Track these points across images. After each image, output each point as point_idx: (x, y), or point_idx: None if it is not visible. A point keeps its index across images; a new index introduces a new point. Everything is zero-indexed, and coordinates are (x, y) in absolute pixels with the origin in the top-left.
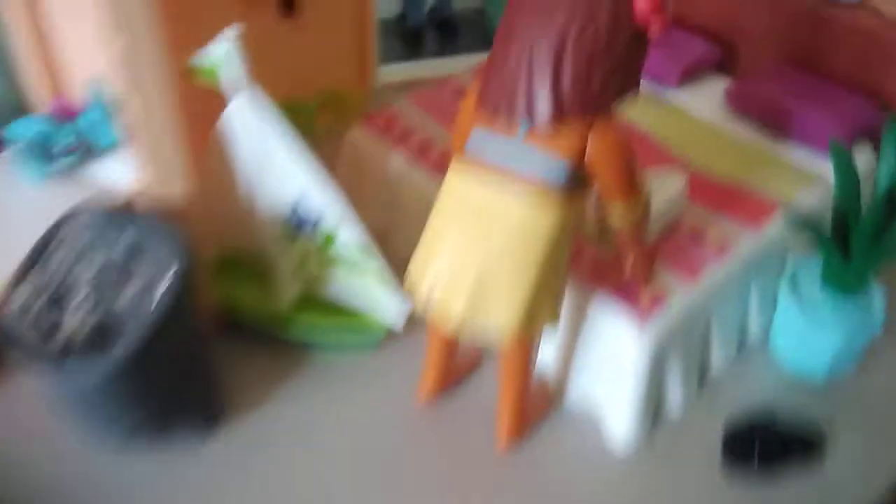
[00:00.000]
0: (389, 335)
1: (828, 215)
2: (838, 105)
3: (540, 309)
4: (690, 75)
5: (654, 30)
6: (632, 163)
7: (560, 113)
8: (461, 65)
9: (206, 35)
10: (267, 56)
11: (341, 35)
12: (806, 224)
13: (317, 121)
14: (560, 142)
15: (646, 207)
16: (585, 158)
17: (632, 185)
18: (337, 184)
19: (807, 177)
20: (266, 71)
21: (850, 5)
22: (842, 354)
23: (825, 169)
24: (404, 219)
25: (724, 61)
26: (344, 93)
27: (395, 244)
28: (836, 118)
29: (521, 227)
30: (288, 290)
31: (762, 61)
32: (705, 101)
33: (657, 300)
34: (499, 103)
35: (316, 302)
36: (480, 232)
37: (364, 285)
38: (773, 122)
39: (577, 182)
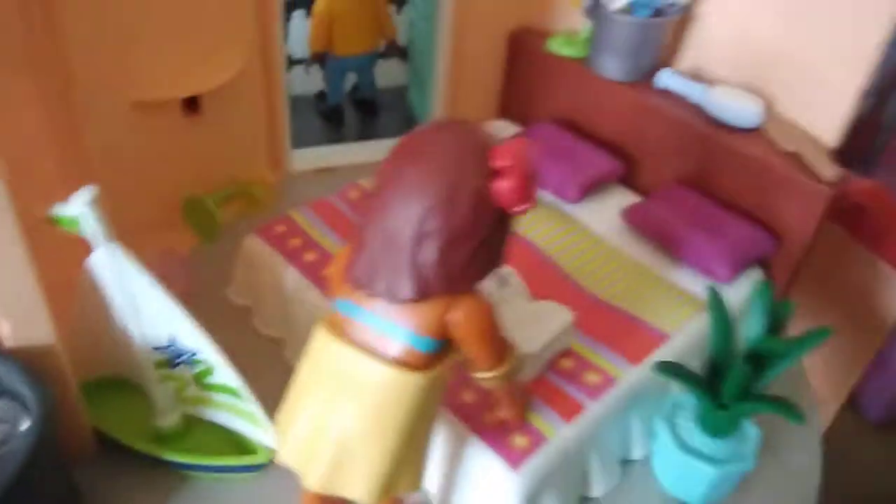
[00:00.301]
0: (271, 462)
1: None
2: (728, 231)
3: (399, 478)
4: (592, 189)
5: (521, 210)
6: (494, 335)
7: (420, 295)
8: (382, 149)
9: (104, 136)
10: (171, 154)
11: (249, 126)
12: (675, 373)
13: (221, 215)
14: (421, 318)
15: (513, 372)
16: (448, 332)
17: (495, 357)
18: (235, 287)
19: (696, 305)
20: (170, 169)
21: (744, 132)
22: (716, 485)
23: None
24: (298, 332)
25: (627, 174)
26: (249, 184)
27: (292, 353)
28: (724, 245)
29: (384, 393)
30: (167, 412)
31: (663, 178)
32: (605, 217)
33: (532, 442)
34: (361, 282)
35: (197, 424)
36: (341, 397)
37: (241, 422)
38: (667, 245)
39: (442, 347)
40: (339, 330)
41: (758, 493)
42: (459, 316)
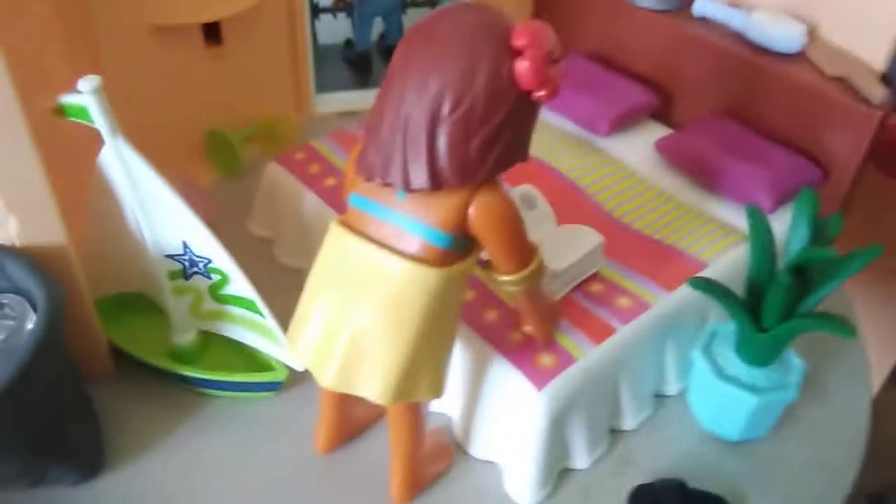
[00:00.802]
0: (290, 379)
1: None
2: (771, 161)
3: (417, 380)
4: (624, 123)
5: (543, 97)
6: (517, 234)
7: (436, 184)
8: None
9: (123, 65)
10: (192, 85)
11: (272, 63)
12: (712, 290)
13: (244, 150)
14: (440, 211)
15: (535, 276)
16: (468, 228)
17: (517, 258)
18: (256, 218)
19: (735, 235)
20: (192, 101)
21: (788, 57)
22: (756, 418)
23: None
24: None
25: (662, 110)
26: (274, 121)
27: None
28: (767, 175)
29: (400, 287)
30: (184, 329)
31: (700, 111)
32: (638, 151)
33: (559, 362)
34: (373, 172)
35: (214, 341)
36: (356, 293)
37: (258, 337)
38: (703, 177)
39: (462, 244)
40: (354, 227)
41: (801, 432)
42: (478, 209)
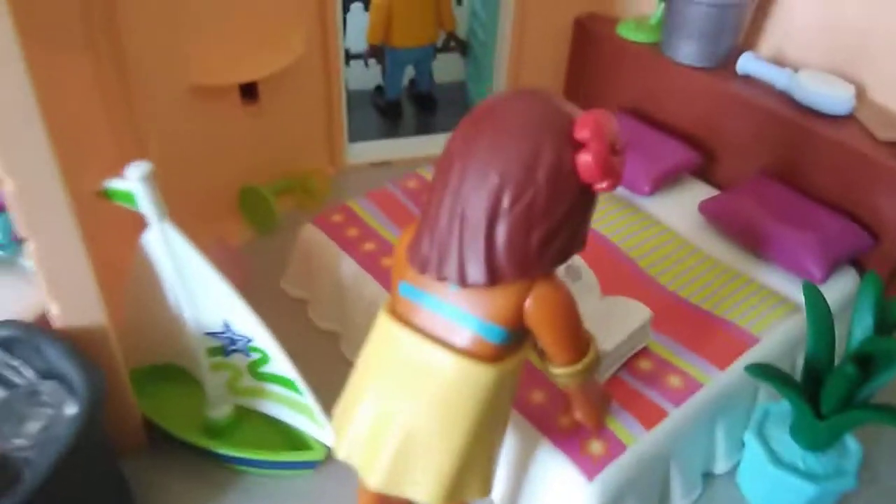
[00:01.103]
0: (327, 458)
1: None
2: (819, 225)
3: (467, 480)
4: (666, 182)
5: (605, 188)
6: (575, 326)
7: (493, 279)
8: (440, 143)
9: (164, 125)
10: (229, 143)
11: (306, 117)
12: (771, 378)
13: (278, 206)
14: (495, 305)
15: (591, 368)
16: (523, 321)
17: (574, 349)
18: (291, 278)
19: (786, 305)
20: (228, 158)
21: (837, 120)
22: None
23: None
24: (355, 325)
25: (704, 168)
26: (307, 175)
27: (348, 347)
28: (816, 240)
29: (452, 384)
30: (219, 403)
31: (743, 170)
32: (681, 212)
33: (609, 449)
34: (428, 266)
35: (250, 416)
36: (406, 388)
37: (296, 415)
38: (750, 241)
39: (516, 337)
40: (403, 317)
41: None
42: (536, 303)
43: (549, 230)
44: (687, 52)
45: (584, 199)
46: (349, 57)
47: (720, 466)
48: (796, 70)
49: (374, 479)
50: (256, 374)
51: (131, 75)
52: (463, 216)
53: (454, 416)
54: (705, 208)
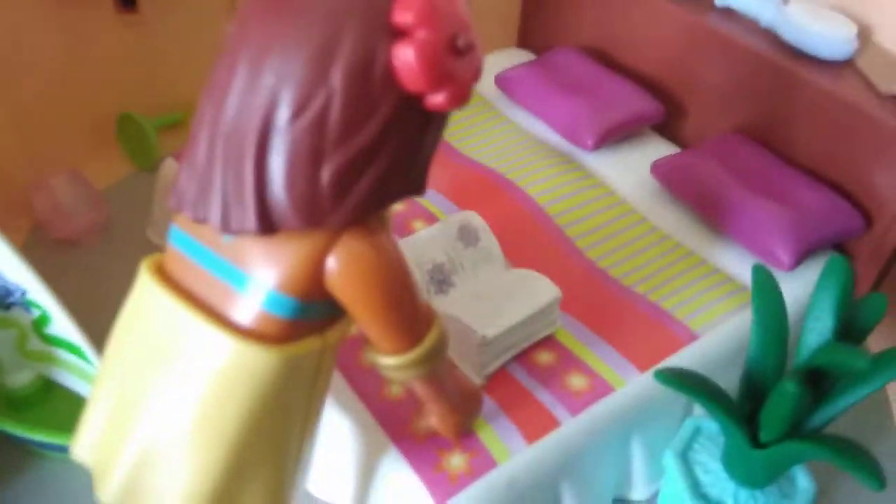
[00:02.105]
0: None
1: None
2: (798, 200)
3: (241, 499)
4: (617, 136)
5: (442, 104)
6: (400, 300)
7: (267, 226)
8: None
9: (8, 29)
10: (99, 58)
11: (201, 35)
12: (688, 387)
13: (160, 141)
14: (283, 264)
15: (430, 360)
16: (327, 289)
17: (402, 333)
18: (157, 221)
19: (740, 296)
20: (99, 76)
21: (831, 65)
22: None
23: None
24: None
25: (668, 121)
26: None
27: None
28: (790, 218)
29: (220, 374)
30: (14, 369)
31: (715, 126)
32: (631, 172)
33: (473, 466)
34: (183, 201)
35: (56, 389)
36: (157, 374)
37: (88, 388)
38: (709, 212)
39: (320, 311)
40: (171, 274)
41: None
42: (340, 265)
43: (349, 160)
44: None
45: (413, 117)
46: None
47: (638, 493)
48: (786, 1)
49: (106, 493)
50: (42, 336)
51: None
52: (227, 133)
53: (216, 418)
54: (658, 169)
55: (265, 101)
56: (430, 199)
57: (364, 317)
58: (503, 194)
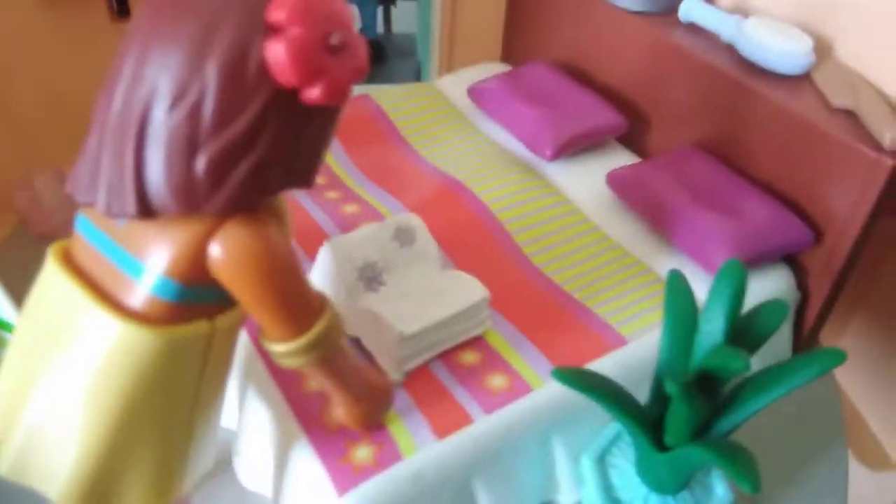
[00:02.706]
0: None
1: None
2: (746, 212)
3: (124, 486)
4: (577, 146)
5: (318, 98)
6: (285, 286)
7: (145, 210)
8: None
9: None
10: (93, 65)
11: None
12: (588, 388)
13: None
14: (166, 248)
15: (320, 346)
16: (212, 274)
17: (288, 319)
18: None
19: None
20: (91, 82)
21: (787, 80)
22: None
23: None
24: None
25: (631, 133)
26: None
27: None
28: (735, 229)
29: (106, 353)
30: None
31: (677, 140)
32: (588, 182)
33: (379, 458)
34: (77, 187)
35: None
36: (50, 352)
37: None
38: (657, 222)
39: (207, 295)
40: (73, 257)
41: None
42: (221, 251)
43: (224, 149)
44: None
45: (290, 111)
46: None
47: (565, 496)
48: (746, 15)
49: (1, 464)
50: None
51: None
52: (113, 122)
53: (101, 396)
54: (612, 179)
55: (146, 92)
56: (383, 201)
57: (249, 303)
58: (457, 200)
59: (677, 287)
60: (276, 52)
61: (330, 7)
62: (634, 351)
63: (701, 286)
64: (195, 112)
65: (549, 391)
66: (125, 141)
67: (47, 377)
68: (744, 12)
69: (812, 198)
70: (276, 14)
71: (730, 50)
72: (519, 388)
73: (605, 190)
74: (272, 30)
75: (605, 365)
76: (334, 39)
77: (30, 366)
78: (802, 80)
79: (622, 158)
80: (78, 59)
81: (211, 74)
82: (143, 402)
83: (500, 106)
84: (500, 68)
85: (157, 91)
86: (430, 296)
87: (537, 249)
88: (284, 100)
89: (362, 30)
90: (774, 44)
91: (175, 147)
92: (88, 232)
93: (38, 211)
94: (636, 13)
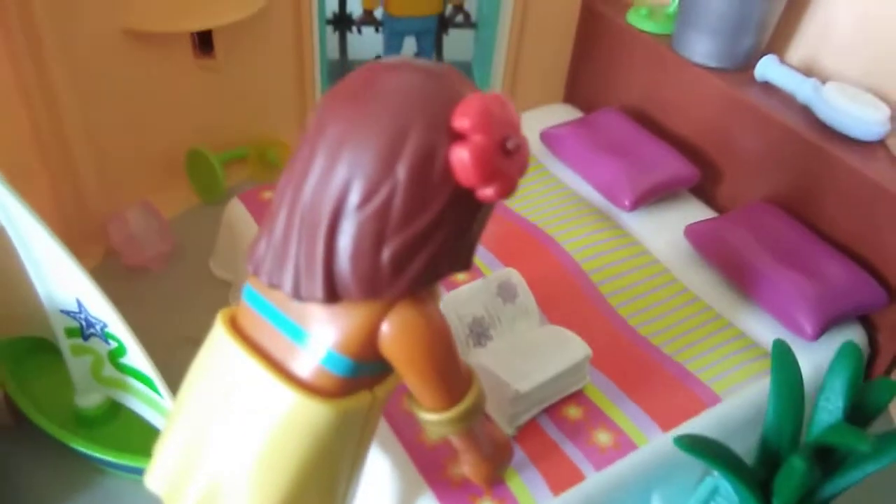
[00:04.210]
0: None
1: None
2: (824, 272)
3: None
4: (654, 197)
5: (491, 196)
6: (445, 364)
7: (332, 296)
8: None
9: (93, 72)
10: (177, 99)
11: (272, 79)
12: (707, 452)
13: (225, 175)
14: (343, 328)
15: (468, 417)
16: (379, 351)
17: (444, 392)
18: (217, 257)
19: (764, 361)
20: (176, 116)
21: (864, 146)
22: None
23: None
24: None
25: (704, 185)
26: (267, 145)
27: None
28: (815, 290)
29: (281, 422)
30: (87, 391)
31: (748, 193)
32: (666, 233)
33: None
34: (261, 266)
35: (124, 411)
36: (225, 417)
37: (159, 417)
38: (737, 278)
39: (371, 369)
40: (242, 327)
41: None
42: (393, 331)
43: (407, 243)
44: (700, 48)
45: (464, 207)
46: (351, 22)
47: None
48: (824, 81)
49: None
50: (117, 365)
51: (54, 9)
52: (304, 213)
53: (275, 460)
54: (692, 233)
55: (338, 188)
56: (478, 253)
57: (411, 377)
58: (542, 250)
59: (784, 357)
60: (461, 157)
61: (506, 114)
62: (728, 409)
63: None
64: (384, 209)
65: (652, 449)
66: (317, 232)
67: (220, 441)
68: (816, 72)
69: (884, 259)
70: (461, 122)
71: (805, 111)
72: (624, 444)
73: (681, 241)
74: (456, 135)
75: (701, 422)
76: (510, 144)
77: (201, 429)
78: (877, 146)
79: (694, 209)
80: (161, 93)
81: (401, 176)
82: (313, 468)
83: (575, 153)
84: (566, 110)
85: (349, 189)
86: (537, 352)
87: (623, 301)
88: (461, 197)
89: (421, 55)
90: (852, 110)
91: (364, 240)
92: (258, 304)
93: (130, 243)
94: (710, 68)
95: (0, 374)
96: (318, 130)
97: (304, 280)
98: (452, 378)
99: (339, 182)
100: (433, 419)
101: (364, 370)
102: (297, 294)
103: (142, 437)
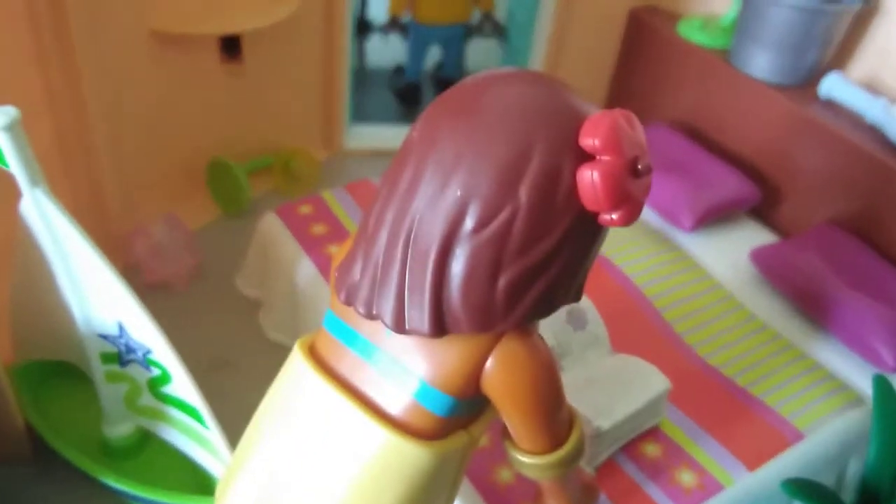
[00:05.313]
0: None
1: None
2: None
3: None
4: (714, 218)
5: (616, 222)
6: (551, 403)
7: (439, 330)
8: None
9: (117, 74)
10: (202, 104)
11: (299, 86)
12: (812, 498)
13: (250, 187)
14: (444, 363)
15: (570, 461)
16: (481, 388)
17: (548, 435)
18: (245, 274)
19: (843, 394)
20: (200, 122)
21: None
22: None
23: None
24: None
25: (762, 206)
26: (292, 155)
27: None
28: (890, 316)
29: (374, 463)
30: (117, 420)
31: (810, 215)
32: (728, 257)
33: None
34: (354, 296)
35: (154, 441)
36: (308, 455)
37: (200, 450)
38: (810, 306)
39: (469, 408)
40: (324, 358)
41: None
42: (499, 367)
43: (525, 271)
44: (761, 63)
45: (585, 233)
46: (368, 28)
47: None
48: (893, 101)
49: None
50: (157, 394)
51: (79, 10)
52: (409, 236)
53: (366, 502)
54: (758, 257)
55: (453, 210)
56: None
57: (513, 415)
58: (603, 274)
59: (886, 395)
60: (590, 179)
61: (636, 133)
62: (811, 447)
63: (860, 374)
64: (503, 234)
65: (740, 490)
66: (426, 259)
67: (305, 477)
68: (877, 90)
69: None
70: (589, 140)
71: (872, 131)
72: (710, 486)
73: (744, 265)
74: (584, 155)
75: (786, 461)
76: (641, 165)
77: (281, 464)
78: None
79: (753, 231)
80: (185, 99)
81: (524, 198)
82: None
83: None
84: None
85: (465, 211)
86: (614, 385)
87: (689, 328)
88: (583, 222)
89: (444, 68)
90: None
91: (479, 268)
92: (343, 333)
93: (156, 258)
94: (771, 84)
95: (20, 403)
96: (428, 145)
97: (408, 311)
98: (557, 420)
99: (453, 203)
100: (529, 462)
101: (463, 408)
102: (398, 326)
103: (174, 471)
